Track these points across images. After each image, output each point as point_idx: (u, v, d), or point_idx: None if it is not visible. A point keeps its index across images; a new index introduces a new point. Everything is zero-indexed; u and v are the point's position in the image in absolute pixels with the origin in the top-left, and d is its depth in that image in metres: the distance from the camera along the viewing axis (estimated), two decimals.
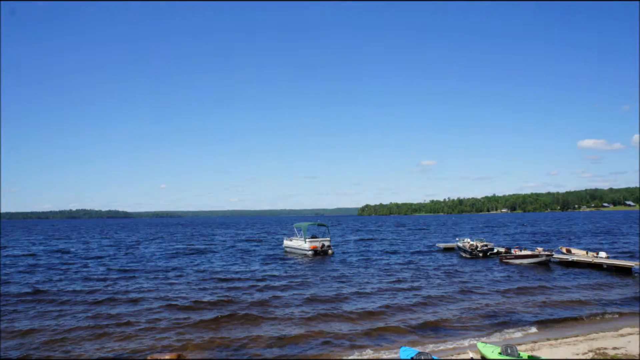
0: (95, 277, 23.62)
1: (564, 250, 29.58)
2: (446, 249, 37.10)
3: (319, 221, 47.55)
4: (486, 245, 32.04)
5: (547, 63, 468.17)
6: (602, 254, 25.80)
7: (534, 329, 13.05)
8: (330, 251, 34.00)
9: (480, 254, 31.06)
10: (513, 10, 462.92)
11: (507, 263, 27.63)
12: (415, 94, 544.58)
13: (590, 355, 10.07)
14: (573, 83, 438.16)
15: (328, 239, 35.60)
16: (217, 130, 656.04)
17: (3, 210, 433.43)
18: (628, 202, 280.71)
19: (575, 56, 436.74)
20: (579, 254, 27.73)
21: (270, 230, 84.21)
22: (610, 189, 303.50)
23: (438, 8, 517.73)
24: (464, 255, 32.09)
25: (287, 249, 37.69)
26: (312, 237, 35.59)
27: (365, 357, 10.90)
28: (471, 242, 33.24)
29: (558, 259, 27.32)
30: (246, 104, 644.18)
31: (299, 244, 35.51)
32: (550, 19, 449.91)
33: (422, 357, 9.33)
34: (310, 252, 33.19)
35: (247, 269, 26.19)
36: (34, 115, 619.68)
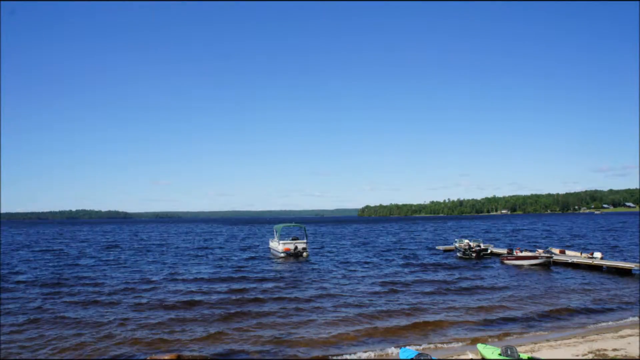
0: None
1: (556, 251, 29.32)
2: (446, 251, 37.19)
3: (293, 223, 46.60)
4: (479, 246, 31.98)
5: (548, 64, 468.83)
6: (597, 254, 25.71)
7: (533, 330, 13.04)
8: (305, 254, 32.78)
9: (474, 255, 31.03)
10: None
11: (507, 264, 27.62)
12: (416, 93, 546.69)
13: (590, 356, 10.07)
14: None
15: (304, 241, 34.41)
16: (217, 130, 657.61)
17: (3, 211, 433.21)
18: (628, 204, 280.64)
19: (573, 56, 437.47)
20: (577, 256, 27.55)
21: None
22: (610, 190, 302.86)
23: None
24: (458, 255, 32.22)
25: (272, 251, 37.52)
26: (293, 239, 35.03)
27: (365, 357, 10.89)
28: (466, 243, 33.13)
29: (558, 261, 27.20)
30: (244, 104, 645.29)
31: (275, 245, 35.29)
32: (548, 18, 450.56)
33: (422, 358, 9.32)
34: (282, 254, 32.65)
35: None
36: (34, 115, 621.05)
